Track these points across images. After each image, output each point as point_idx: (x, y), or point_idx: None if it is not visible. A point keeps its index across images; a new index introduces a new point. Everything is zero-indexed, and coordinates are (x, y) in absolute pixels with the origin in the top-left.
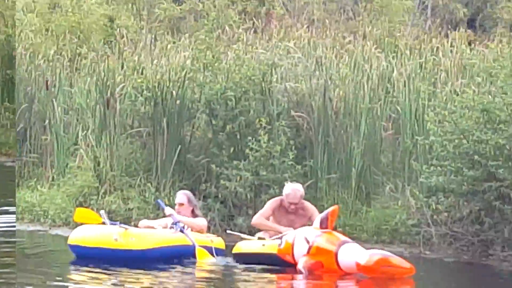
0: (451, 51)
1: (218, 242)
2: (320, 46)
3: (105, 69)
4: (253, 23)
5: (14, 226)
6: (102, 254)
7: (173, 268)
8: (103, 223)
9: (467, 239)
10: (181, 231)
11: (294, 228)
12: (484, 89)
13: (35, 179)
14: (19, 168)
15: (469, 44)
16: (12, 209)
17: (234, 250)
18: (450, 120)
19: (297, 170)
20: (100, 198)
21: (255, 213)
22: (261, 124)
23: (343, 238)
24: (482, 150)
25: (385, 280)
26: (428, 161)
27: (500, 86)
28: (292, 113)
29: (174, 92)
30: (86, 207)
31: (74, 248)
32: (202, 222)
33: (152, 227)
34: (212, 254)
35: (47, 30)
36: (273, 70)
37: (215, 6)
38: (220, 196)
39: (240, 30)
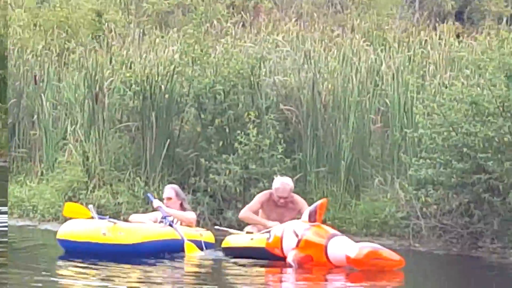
0: (440, 44)
1: (207, 236)
2: (308, 40)
3: (94, 64)
4: (241, 16)
5: (7, 226)
6: (91, 249)
7: (162, 262)
8: (92, 217)
9: (457, 231)
10: (170, 225)
11: (283, 222)
12: (472, 82)
13: (24, 174)
14: (9, 163)
15: (457, 36)
16: (4, 209)
17: (223, 244)
18: (439, 113)
19: (286, 164)
20: (89, 192)
21: (244, 207)
22: (250, 118)
23: (332, 231)
24: (471, 143)
25: (375, 272)
26: (417, 154)
27: (488, 78)
28: (281, 106)
29: (162, 86)
30: (75, 202)
31: (63, 242)
32: (191, 215)
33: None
34: (201, 248)
35: (35, 25)
36: (262, 63)
37: (203, 0)
38: (209, 190)
39: (229, 24)
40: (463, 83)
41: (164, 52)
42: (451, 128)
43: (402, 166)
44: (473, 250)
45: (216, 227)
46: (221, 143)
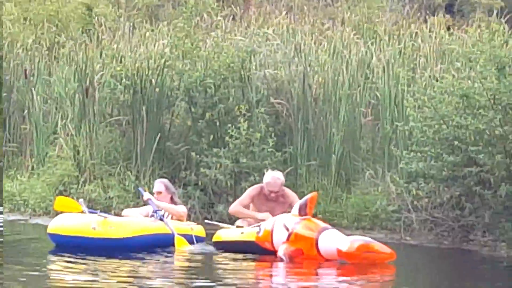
0: (430, 37)
1: (198, 230)
2: (298, 33)
3: (84, 58)
4: (232, 10)
5: (2, 226)
6: (81, 243)
7: (152, 256)
8: (83, 211)
9: (448, 224)
10: (161, 219)
11: (274, 215)
12: (463, 74)
13: (15, 169)
14: None
15: (448, 29)
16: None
17: (214, 239)
18: (429, 106)
19: (277, 157)
20: (80, 186)
21: (235, 200)
22: (240, 112)
23: (323, 224)
24: (462, 136)
25: (366, 265)
26: (408, 147)
27: (479, 71)
28: (272, 100)
29: (153, 80)
30: (66, 196)
31: (54, 236)
32: (181, 209)
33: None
34: (192, 242)
35: (25, 19)
36: (252, 57)
37: None
38: (200, 183)
39: (219, 18)
40: (454, 76)
41: (154, 46)
42: (442, 121)
43: (393, 159)
44: (464, 243)
45: (206, 221)
46: (211, 136)
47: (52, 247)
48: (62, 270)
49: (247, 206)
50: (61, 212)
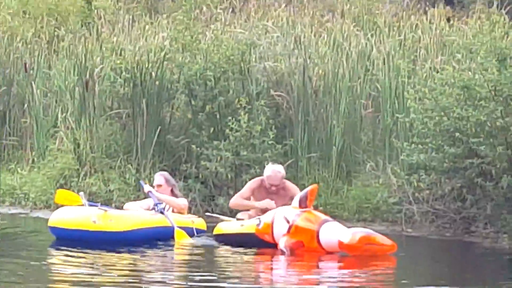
0: (430, 28)
1: (199, 222)
2: (298, 25)
3: (84, 51)
4: (231, 2)
5: None
6: (82, 236)
7: (152, 249)
8: (84, 204)
9: (449, 216)
10: (161, 212)
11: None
12: (464, 66)
13: (15, 162)
14: None
15: (448, 20)
16: None
17: (215, 231)
18: (430, 98)
19: (277, 150)
20: (80, 180)
21: (235, 193)
22: (240, 104)
23: (323, 217)
24: (463, 127)
25: (367, 258)
26: (409, 139)
27: (480, 62)
28: (272, 92)
29: (153, 73)
30: (67, 189)
31: (54, 230)
32: (182, 201)
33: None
34: (192, 235)
35: (24, 12)
36: (252, 49)
37: None
38: (200, 176)
39: (218, 10)
40: (454, 68)
41: (154, 39)
42: (443, 113)
43: (394, 151)
44: (466, 235)
45: (207, 213)
46: (212, 129)
47: (53, 240)
48: (62, 264)
49: (247, 199)
50: (62, 205)
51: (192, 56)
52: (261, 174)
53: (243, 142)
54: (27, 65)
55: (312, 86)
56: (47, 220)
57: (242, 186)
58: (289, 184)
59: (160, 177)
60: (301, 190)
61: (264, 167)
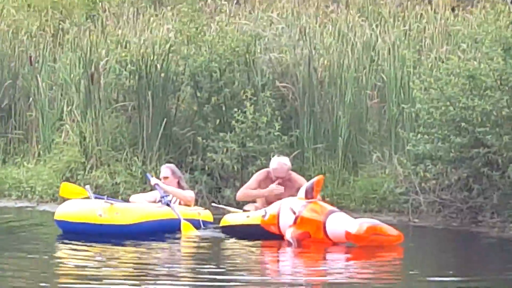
0: (435, 18)
1: (205, 214)
2: (303, 16)
3: (89, 44)
4: None
5: None
6: (88, 229)
7: (159, 242)
8: (89, 197)
9: (456, 206)
10: (167, 204)
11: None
12: (469, 56)
13: (21, 156)
14: (5, 145)
15: (453, 10)
16: None
17: (221, 223)
18: (436, 87)
19: (283, 141)
20: (86, 173)
21: (242, 185)
22: (246, 96)
23: (329, 207)
24: (469, 117)
25: (374, 248)
26: (415, 129)
27: (485, 52)
28: (277, 83)
29: (158, 65)
30: (73, 183)
31: (60, 223)
32: (189, 193)
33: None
34: (199, 227)
35: (29, 6)
36: (257, 41)
37: None
38: (207, 168)
39: (223, 2)
40: (459, 57)
41: (159, 31)
42: (448, 103)
43: (400, 142)
44: (472, 225)
45: (214, 204)
46: (217, 121)
47: (59, 233)
48: (68, 257)
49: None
50: (68, 199)
51: (197, 48)
52: (267, 166)
53: (249, 133)
54: (32, 59)
55: (318, 77)
56: (53, 213)
57: (248, 178)
58: (295, 175)
59: (166, 169)
60: (307, 181)
61: (270, 158)
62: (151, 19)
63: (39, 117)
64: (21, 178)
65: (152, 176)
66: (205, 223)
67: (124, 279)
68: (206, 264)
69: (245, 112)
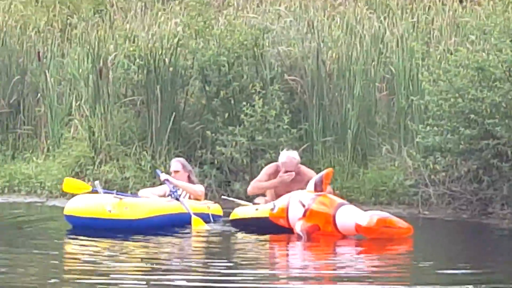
0: (443, 10)
1: (215, 208)
2: (311, 9)
3: (97, 39)
4: None
5: None
6: (97, 224)
7: (169, 237)
8: (93, 191)
9: (466, 198)
10: (177, 199)
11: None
12: (478, 47)
13: (30, 151)
14: (14, 140)
15: (461, 1)
16: None
17: (231, 217)
18: (445, 79)
19: (292, 134)
20: (96, 168)
21: (251, 178)
22: (255, 89)
23: (339, 200)
24: (478, 108)
25: (384, 240)
26: (424, 121)
27: (494, 43)
28: (286, 77)
29: (166, 59)
30: (82, 178)
31: (70, 218)
32: (199, 188)
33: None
34: (209, 221)
35: (37, 1)
36: (265, 34)
37: None
38: (216, 162)
39: None
40: (468, 49)
41: (167, 25)
42: (457, 94)
43: (409, 134)
44: (483, 217)
45: (224, 197)
46: (226, 115)
47: (69, 228)
48: (78, 252)
49: None
50: (74, 194)
51: (205, 42)
52: (276, 159)
53: (258, 127)
54: (40, 54)
55: (326, 70)
56: (62, 208)
57: (257, 171)
58: (304, 168)
59: (177, 163)
60: (316, 174)
61: (279, 152)
62: (159, 13)
63: (48, 113)
64: (30, 174)
65: (161, 172)
66: (215, 217)
67: (134, 274)
68: (215, 259)
69: (253, 106)
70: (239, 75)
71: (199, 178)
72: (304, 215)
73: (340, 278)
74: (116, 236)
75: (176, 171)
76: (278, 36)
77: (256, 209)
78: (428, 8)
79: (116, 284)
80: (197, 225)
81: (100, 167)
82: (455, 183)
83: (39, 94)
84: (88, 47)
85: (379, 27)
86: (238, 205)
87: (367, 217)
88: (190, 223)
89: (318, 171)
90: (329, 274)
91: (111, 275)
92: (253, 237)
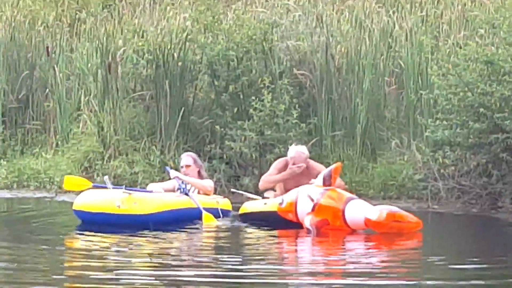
0: (452, 3)
1: (224, 203)
2: (320, 3)
3: (105, 34)
4: None
5: None
6: (107, 219)
7: (178, 233)
8: (94, 187)
9: (475, 192)
10: (186, 194)
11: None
12: (487, 41)
13: (39, 146)
14: (23, 135)
15: None
16: None
17: (240, 211)
18: (454, 73)
19: (301, 129)
20: (105, 162)
21: (260, 173)
22: (264, 84)
23: (348, 195)
24: (487, 102)
25: (393, 235)
26: (433, 115)
27: (503, 37)
28: (295, 71)
29: (175, 54)
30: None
31: (79, 213)
32: (208, 183)
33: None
34: (218, 216)
35: None
36: (274, 29)
37: None
38: (225, 157)
39: None
40: (477, 43)
41: (175, 20)
42: (466, 88)
43: (418, 128)
44: (492, 211)
45: (233, 190)
46: (235, 109)
47: (78, 223)
48: (86, 247)
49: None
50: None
51: (214, 37)
52: (285, 154)
53: (267, 121)
54: (49, 49)
55: (335, 64)
56: (72, 203)
57: (267, 166)
58: (313, 163)
59: (188, 157)
60: (325, 168)
61: (288, 146)
62: (168, 8)
63: (57, 108)
64: (39, 169)
65: (171, 169)
66: (224, 211)
67: (143, 269)
68: (224, 254)
69: (262, 100)
70: (248, 69)
71: (208, 173)
72: (313, 209)
73: (350, 273)
74: (124, 232)
75: (187, 165)
76: (287, 30)
77: (265, 203)
78: (437, 2)
79: (124, 280)
80: (208, 221)
81: (109, 162)
82: (464, 177)
83: (47, 89)
84: (97, 42)
85: (388, 21)
86: (247, 198)
87: (377, 211)
88: (199, 218)
89: (327, 165)
90: (339, 269)
91: (120, 270)
92: (262, 232)
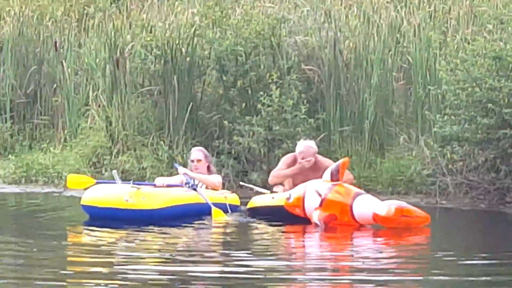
0: None
1: (232, 198)
2: None
3: (113, 29)
4: None
5: None
6: (115, 214)
7: (187, 228)
8: (97, 183)
9: (483, 187)
10: (194, 189)
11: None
12: (495, 36)
13: (48, 141)
14: (31, 130)
15: None
16: None
17: (249, 205)
18: (462, 69)
19: (309, 124)
20: (113, 158)
21: (268, 168)
22: (272, 79)
23: (356, 190)
24: (496, 98)
25: (402, 230)
26: (441, 111)
27: (511, 32)
28: (303, 66)
29: (183, 49)
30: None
31: (87, 208)
32: (217, 179)
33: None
34: (226, 211)
35: None
36: (282, 24)
37: None
38: (233, 152)
39: None
40: (485, 38)
41: (184, 15)
42: (475, 84)
43: (426, 123)
44: (500, 206)
45: (242, 183)
46: (244, 104)
47: (86, 218)
48: (94, 242)
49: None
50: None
51: (223, 32)
52: (293, 149)
53: (275, 117)
54: (57, 44)
55: (343, 59)
56: (80, 198)
57: (275, 161)
58: (321, 158)
59: (199, 152)
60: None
61: (297, 141)
62: (176, 3)
63: (65, 103)
64: (47, 164)
65: (179, 165)
66: (232, 206)
67: (151, 265)
68: (232, 249)
69: (271, 96)
70: (256, 65)
71: (217, 168)
72: (320, 204)
73: (358, 269)
74: (133, 227)
75: (198, 160)
76: (295, 25)
77: (273, 197)
78: None
79: (132, 275)
80: (218, 216)
81: (117, 157)
82: (472, 173)
83: (56, 84)
84: (105, 37)
85: (396, 16)
86: (256, 192)
87: (385, 206)
88: (207, 213)
89: (335, 160)
90: (347, 265)
91: (128, 266)
92: (270, 227)
